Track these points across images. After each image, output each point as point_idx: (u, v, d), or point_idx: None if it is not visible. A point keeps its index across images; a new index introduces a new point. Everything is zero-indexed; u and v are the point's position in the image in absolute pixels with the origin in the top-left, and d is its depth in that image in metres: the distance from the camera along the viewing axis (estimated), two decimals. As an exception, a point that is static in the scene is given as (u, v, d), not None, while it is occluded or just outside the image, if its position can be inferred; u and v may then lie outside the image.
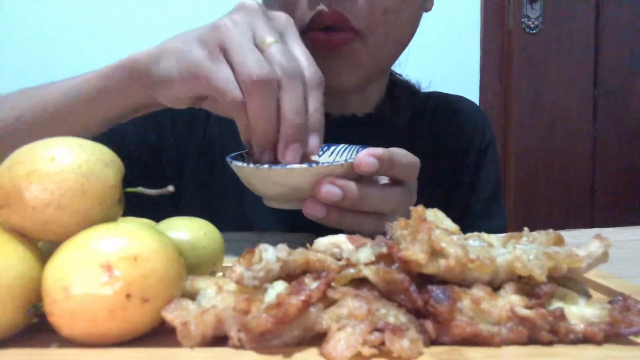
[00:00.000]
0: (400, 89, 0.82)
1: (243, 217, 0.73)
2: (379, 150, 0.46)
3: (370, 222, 0.49)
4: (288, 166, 0.46)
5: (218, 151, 0.75)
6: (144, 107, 0.57)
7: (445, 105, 0.84)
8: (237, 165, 0.49)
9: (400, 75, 0.86)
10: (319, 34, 0.63)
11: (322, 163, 0.48)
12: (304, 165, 0.46)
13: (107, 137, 0.52)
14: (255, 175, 0.48)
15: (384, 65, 0.72)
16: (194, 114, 0.76)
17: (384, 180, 0.52)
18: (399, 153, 0.49)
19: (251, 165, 0.48)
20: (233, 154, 0.53)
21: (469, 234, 0.35)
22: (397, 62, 0.83)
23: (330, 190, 0.46)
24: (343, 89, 0.70)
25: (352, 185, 0.46)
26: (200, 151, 0.76)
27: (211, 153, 0.76)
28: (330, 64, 0.65)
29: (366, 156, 0.46)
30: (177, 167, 0.75)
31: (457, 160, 0.80)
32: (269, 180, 0.47)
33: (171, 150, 0.75)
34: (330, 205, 0.47)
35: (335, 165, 0.46)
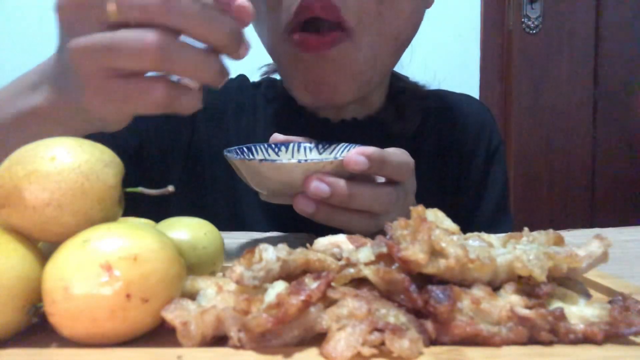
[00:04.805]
0: (407, 95, 0.77)
1: (236, 217, 0.72)
2: (369, 149, 0.46)
3: (360, 221, 0.49)
4: (278, 161, 0.47)
5: (206, 152, 0.73)
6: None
7: (450, 106, 0.79)
8: (231, 159, 0.50)
9: (407, 78, 0.81)
10: (306, 36, 0.58)
11: (313, 159, 0.48)
12: (294, 161, 0.46)
13: None
14: (247, 169, 0.49)
15: (382, 68, 0.65)
16: (179, 117, 0.75)
17: (380, 180, 0.52)
18: (391, 152, 0.48)
19: (244, 159, 0.49)
20: (231, 148, 0.54)
21: (469, 234, 0.35)
22: (400, 64, 0.80)
23: (318, 186, 0.46)
24: (341, 104, 0.64)
25: (340, 182, 0.46)
26: (188, 153, 0.74)
27: (200, 154, 0.74)
28: (322, 74, 0.60)
29: (356, 154, 0.46)
30: (162, 171, 0.72)
31: (464, 163, 0.76)
32: (260, 174, 0.48)
33: (154, 155, 0.71)
34: (320, 202, 0.47)
35: (325, 162, 0.46)
